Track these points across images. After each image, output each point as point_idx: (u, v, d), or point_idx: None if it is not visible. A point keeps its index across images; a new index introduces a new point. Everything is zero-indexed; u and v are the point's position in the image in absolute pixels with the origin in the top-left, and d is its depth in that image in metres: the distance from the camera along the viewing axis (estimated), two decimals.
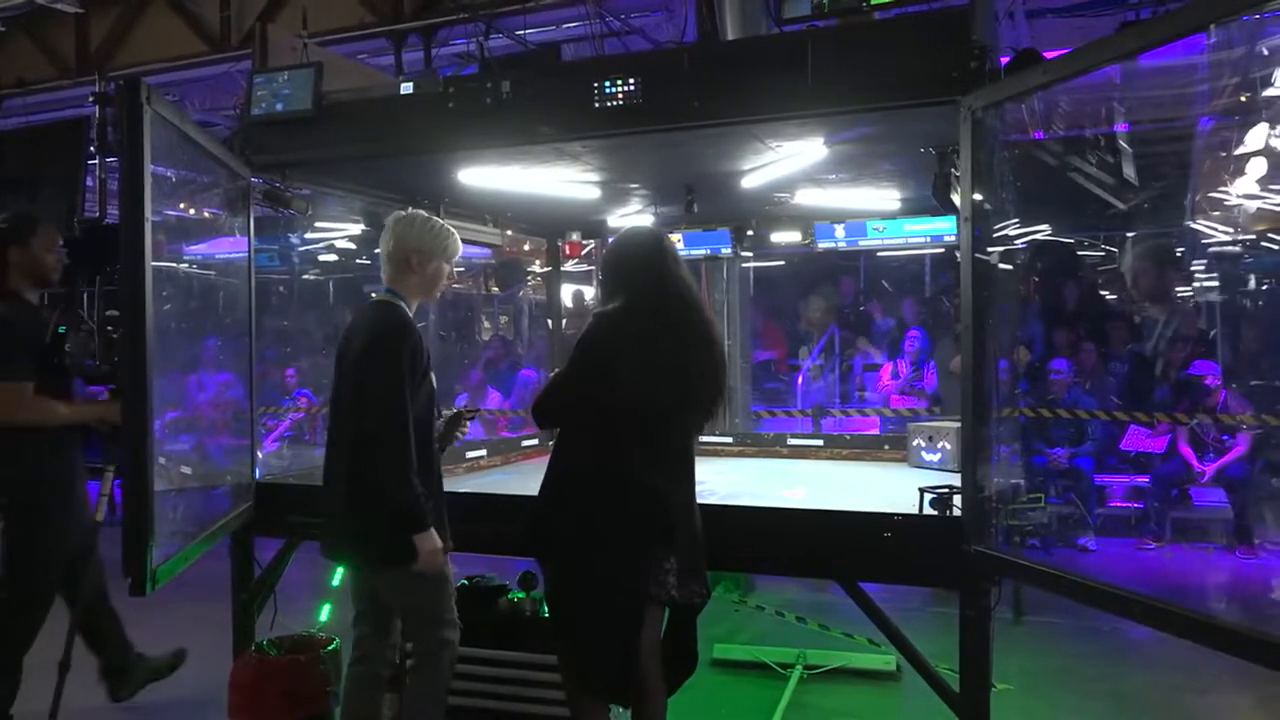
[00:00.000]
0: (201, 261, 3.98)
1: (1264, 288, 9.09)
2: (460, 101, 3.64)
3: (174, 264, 3.50)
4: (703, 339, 2.97)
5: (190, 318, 3.59)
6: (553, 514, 2.95)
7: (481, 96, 3.61)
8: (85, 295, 4.03)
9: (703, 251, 5.73)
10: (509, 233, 5.78)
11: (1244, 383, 7.64)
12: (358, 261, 11.89)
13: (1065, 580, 2.77)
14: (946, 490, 3.24)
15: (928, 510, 3.28)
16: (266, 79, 3.91)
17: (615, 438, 2.87)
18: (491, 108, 3.59)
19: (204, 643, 4.34)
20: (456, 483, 4.67)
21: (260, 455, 4.51)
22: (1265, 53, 6.09)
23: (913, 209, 5.09)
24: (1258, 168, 6.83)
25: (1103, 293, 9.93)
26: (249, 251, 4.04)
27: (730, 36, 5.93)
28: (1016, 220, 3.44)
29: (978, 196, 3.00)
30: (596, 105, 3.42)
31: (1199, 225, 8.01)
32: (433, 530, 2.97)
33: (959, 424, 3.30)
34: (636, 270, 2.97)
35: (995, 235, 3.17)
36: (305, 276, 12.27)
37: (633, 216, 5.42)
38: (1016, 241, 3.71)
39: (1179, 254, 8.93)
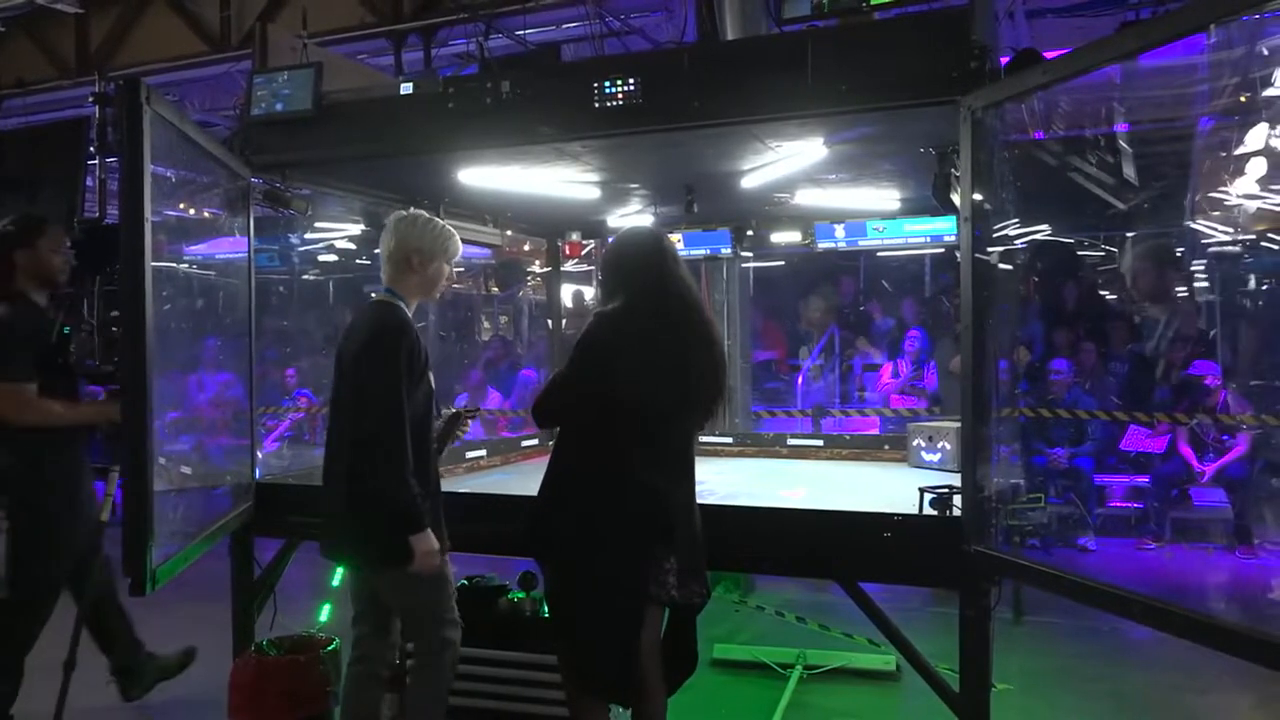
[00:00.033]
0: (201, 261, 3.98)
1: (1264, 288, 9.09)
2: (460, 101, 3.64)
3: (174, 264, 3.50)
4: (703, 339, 2.97)
5: (190, 318, 3.60)
6: (553, 514, 2.95)
7: (481, 96, 3.61)
8: (86, 296, 4.04)
9: (703, 251, 5.73)
10: (509, 233, 5.78)
11: (1243, 383, 7.64)
12: (358, 261, 11.89)
13: (1065, 580, 2.77)
14: (946, 490, 3.24)
15: (928, 510, 3.28)
16: (266, 79, 3.91)
17: (615, 438, 2.87)
18: (491, 108, 3.59)
19: (204, 643, 4.34)
20: (456, 483, 4.67)
21: (260, 455, 4.51)
22: (1265, 53, 6.09)
23: (913, 209, 5.10)
24: (1258, 168, 6.83)
25: (1103, 293, 9.93)
26: (249, 251, 4.04)
27: (730, 36, 5.93)
28: (1016, 220, 3.44)
29: (978, 196, 3.00)
30: (596, 105, 3.42)
31: (1199, 225, 8.01)
32: (429, 531, 2.97)
33: (959, 424, 3.30)
34: (636, 270, 2.97)
35: (995, 235, 3.17)
36: (305, 276, 12.27)
37: (633, 216, 5.42)
38: (1016, 241, 3.71)
39: (1179, 254, 8.93)
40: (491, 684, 3.64)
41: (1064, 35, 6.68)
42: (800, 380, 9.65)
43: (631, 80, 3.38)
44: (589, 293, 10.16)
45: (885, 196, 4.97)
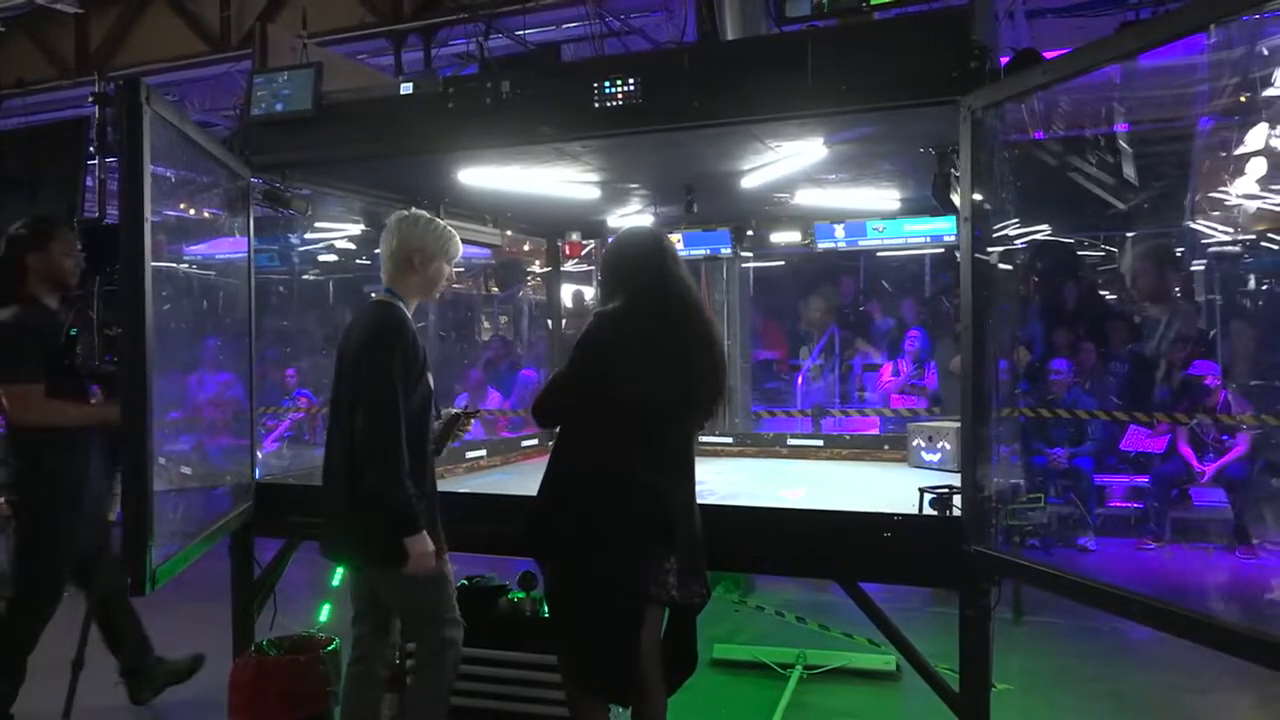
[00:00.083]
0: (201, 261, 3.99)
1: (1264, 288, 9.09)
2: (460, 101, 3.64)
3: (174, 264, 3.50)
4: (703, 339, 2.97)
5: (190, 318, 3.60)
6: (553, 514, 2.94)
7: (481, 96, 3.61)
8: (86, 296, 4.07)
9: (703, 251, 5.73)
10: (509, 233, 5.78)
11: (1243, 383, 7.64)
12: (358, 261, 11.90)
13: (1065, 580, 2.77)
14: (946, 490, 3.24)
15: (928, 510, 3.28)
16: (266, 79, 3.91)
17: (615, 438, 2.87)
18: (491, 108, 3.59)
19: (204, 643, 4.35)
20: (456, 483, 4.67)
21: (260, 455, 4.51)
22: (1265, 53, 6.09)
23: (913, 209, 5.09)
24: (1258, 168, 6.83)
25: (1103, 293, 9.93)
26: (249, 251, 4.04)
27: (730, 36, 5.93)
28: (1016, 220, 3.44)
29: (978, 196, 3.00)
30: (596, 105, 3.42)
31: (1199, 225, 8.02)
32: (424, 533, 2.96)
33: (959, 424, 3.30)
34: (636, 270, 2.97)
35: (995, 235, 3.17)
36: (305, 276, 12.28)
37: (633, 216, 5.42)
38: (1016, 241, 3.71)
39: (1179, 254, 8.94)
40: (491, 684, 3.64)
41: (1064, 35, 6.68)
42: (800, 380, 9.65)
43: (631, 80, 3.38)
44: (589, 293, 10.16)
45: (885, 196, 4.96)
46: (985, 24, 3.07)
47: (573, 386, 2.92)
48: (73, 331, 3.84)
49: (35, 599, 3.79)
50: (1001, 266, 3.32)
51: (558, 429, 3.07)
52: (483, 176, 4.28)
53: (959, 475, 3.13)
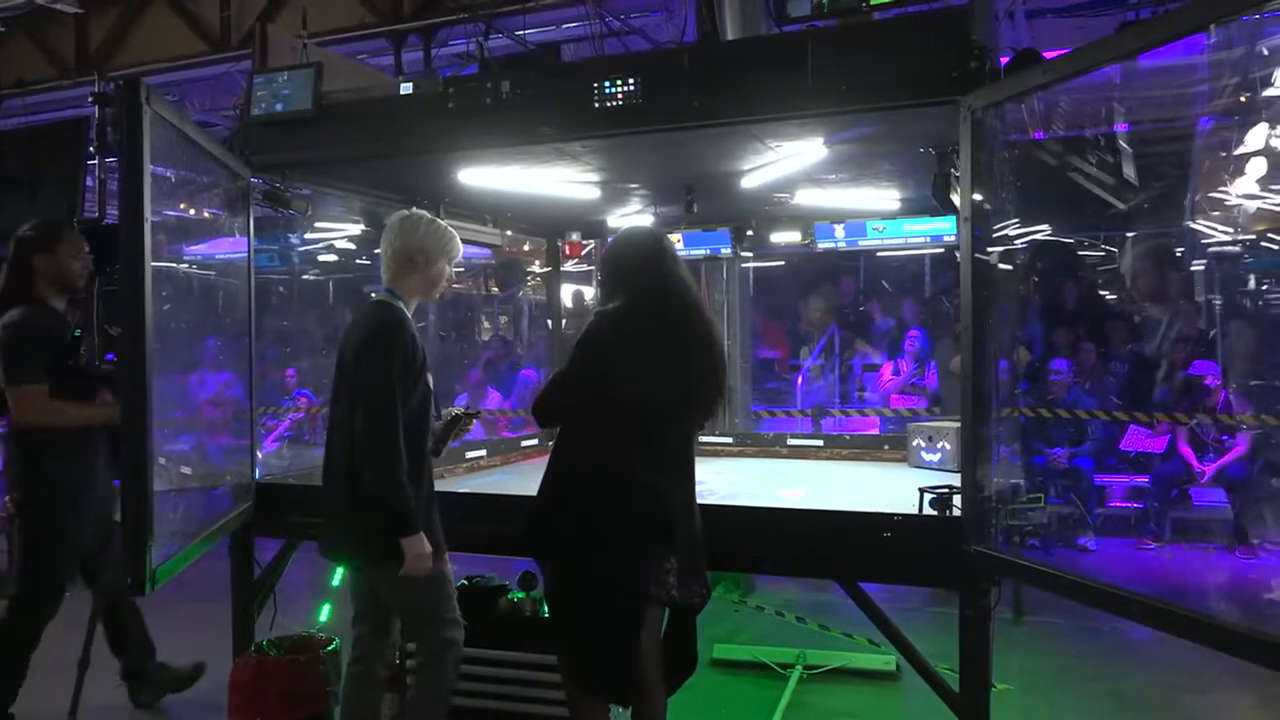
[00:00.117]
0: (201, 261, 3.99)
1: (1264, 288, 9.09)
2: (460, 101, 3.64)
3: (174, 264, 3.50)
4: (703, 339, 2.97)
5: (190, 318, 3.60)
6: (553, 514, 2.94)
7: (481, 96, 3.61)
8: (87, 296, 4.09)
9: (703, 251, 5.73)
10: (509, 233, 5.78)
11: (1243, 383, 7.64)
12: (358, 261, 11.90)
13: (1065, 580, 2.77)
14: (946, 490, 3.24)
15: (928, 510, 3.28)
16: (266, 79, 3.91)
17: (615, 438, 2.87)
18: (491, 108, 3.59)
19: (204, 643, 4.34)
20: (456, 483, 4.67)
21: (260, 455, 4.51)
22: (1265, 53, 6.09)
23: (913, 209, 5.09)
24: (1258, 168, 6.83)
25: (1103, 293, 9.93)
26: (249, 251, 4.04)
27: (730, 36, 5.93)
28: (1016, 220, 3.44)
29: (978, 196, 3.00)
30: (596, 105, 3.42)
31: (1199, 225, 8.01)
32: (421, 535, 2.95)
33: (959, 424, 3.30)
34: (636, 270, 2.97)
35: (995, 235, 3.17)
36: (305, 276, 12.28)
37: (633, 216, 5.42)
38: (1016, 241, 3.71)
39: (1179, 254, 8.93)
40: (491, 684, 3.64)
41: (1064, 35, 6.68)
42: (800, 380, 9.65)
43: (631, 80, 3.38)
44: (589, 293, 10.16)
45: (885, 196, 4.96)
46: (985, 24, 3.07)
47: (573, 386, 2.92)
48: (76, 332, 3.86)
49: (37, 598, 3.81)
50: (1001, 266, 3.32)
51: (558, 429, 3.07)
52: (483, 176, 4.28)
53: (959, 475, 3.13)
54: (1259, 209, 7.49)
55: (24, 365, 3.72)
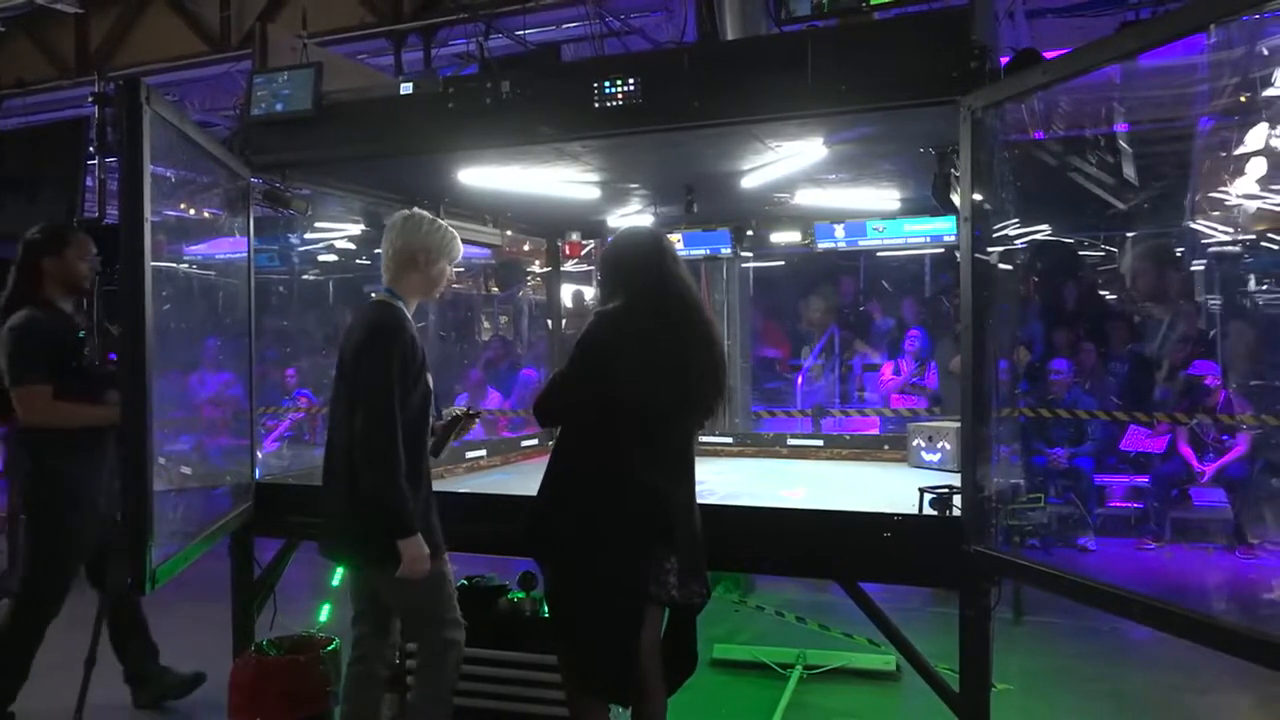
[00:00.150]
0: (201, 261, 3.99)
1: (1264, 288, 9.09)
2: (460, 101, 3.64)
3: (174, 264, 3.50)
4: (703, 339, 2.97)
5: (190, 317, 3.60)
6: (553, 514, 2.94)
7: (481, 96, 3.61)
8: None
9: (703, 251, 5.73)
10: (509, 233, 5.78)
11: (1243, 383, 7.64)
12: (358, 261, 11.90)
13: (1065, 580, 2.77)
14: (946, 490, 3.24)
15: (928, 510, 3.28)
16: (266, 79, 3.91)
17: (615, 438, 2.87)
18: (491, 108, 3.59)
19: (204, 643, 4.34)
20: (456, 483, 4.67)
21: (260, 455, 4.51)
22: (1265, 53, 6.09)
23: (913, 209, 5.09)
24: (1258, 168, 6.83)
25: (1103, 293, 9.93)
26: (249, 251, 4.04)
27: (730, 36, 5.93)
28: (1016, 220, 3.44)
29: (978, 196, 3.00)
30: (596, 105, 3.42)
31: (1199, 225, 8.01)
32: (418, 536, 2.94)
33: (959, 424, 3.30)
34: (636, 270, 2.97)
35: (995, 235, 3.17)
36: (305, 276, 12.28)
37: (633, 216, 5.42)
38: (1016, 241, 3.71)
39: (1179, 254, 8.93)
40: (491, 684, 3.64)
41: (1064, 35, 6.68)
42: (800, 380, 9.65)
43: (631, 80, 3.38)
44: (589, 293, 10.16)
45: (885, 196, 4.96)
46: (985, 24, 3.07)
47: (573, 386, 2.92)
48: (79, 334, 3.88)
49: (40, 598, 3.83)
50: (1001, 266, 3.32)
51: (559, 429, 3.07)
52: (483, 176, 4.28)
53: (959, 475, 3.13)
54: (1259, 209, 7.48)
55: (29, 366, 3.76)
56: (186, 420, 3.84)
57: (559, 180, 4.48)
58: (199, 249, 4.10)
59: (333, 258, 12.21)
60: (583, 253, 8.13)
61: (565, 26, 7.79)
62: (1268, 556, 6.84)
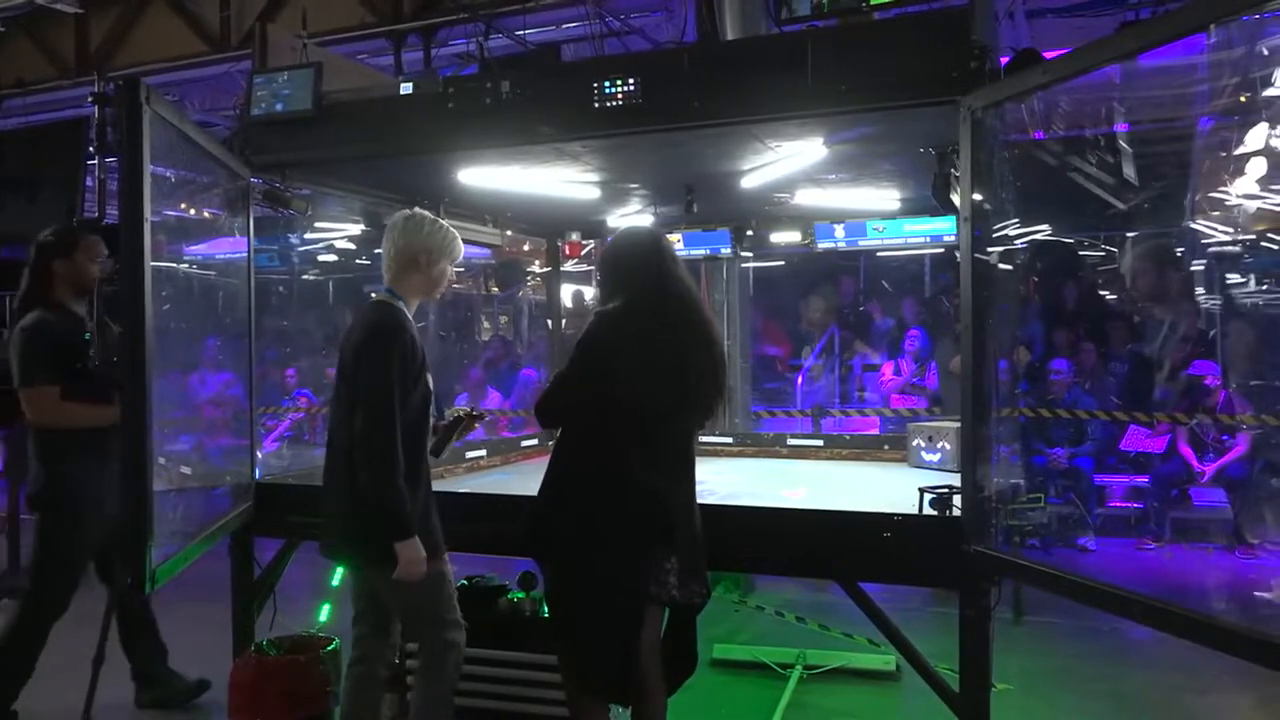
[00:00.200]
0: (201, 261, 3.99)
1: (1264, 288, 9.09)
2: (460, 101, 3.64)
3: (174, 264, 3.51)
4: (702, 339, 2.97)
5: (190, 318, 3.60)
6: (553, 514, 2.94)
7: (481, 96, 3.61)
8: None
9: (703, 251, 5.73)
10: (509, 233, 5.78)
11: (1243, 383, 7.64)
12: (358, 261, 11.90)
13: (1065, 580, 2.77)
14: (946, 490, 3.24)
15: (928, 510, 3.28)
16: (266, 79, 3.91)
17: (615, 438, 2.87)
18: (491, 108, 3.59)
19: (204, 643, 4.34)
20: (456, 483, 4.67)
21: (260, 455, 4.51)
22: (1265, 53, 6.09)
23: (913, 209, 5.09)
24: (1258, 168, 6.82)
25: (1103, 293, 9.93)
26: (249, 251, 4.04)
27: (730, 36, 5.93)
28: (1016, 220, 3.44)
29: (977, 196, 3.00)
30: (596, 105, 3.42)
31: (1199, 225, 8.01)
32: (416, 539, 2.93)
33: (959, 424, 3.30)
34: (635, 270, 2.97)
35: (995, 235, 3.17)
36: (305, 276, 12.28)
37: (633, 216, 5.42)
38: (1016, 241, 3.71)
39: (1179, 254, 8.93)
40: (491, 684, 3.64)
41: (1064, 35, 6.68)
42: (800, 380, 9.65)
43: (631, 80, 3.38)
44: (589, 293, 10.15)
45: (885, 196, 4.96)
46: (985, 24, 3.07)
47: (574, 387, 2.92)
48: (85, 335, 3.90)
49: (45, 598, 3.85)
50: (1001, 266, 3.32)
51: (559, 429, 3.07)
52: (483, 176, 4.28)
53: (959, 475, 3.13)
54: (1259, 209, 7.48)
55: (38, 368, 3.80)
56: (186, 420, 3.84)
57: (559, 180, 4.48)
58: (199, 249, 4.10)
59: (333, 258, 12.22)
60: (583, 253, 8.12)
61: (565, 26, 7.79)
62: (1268, 556, 6.84)
